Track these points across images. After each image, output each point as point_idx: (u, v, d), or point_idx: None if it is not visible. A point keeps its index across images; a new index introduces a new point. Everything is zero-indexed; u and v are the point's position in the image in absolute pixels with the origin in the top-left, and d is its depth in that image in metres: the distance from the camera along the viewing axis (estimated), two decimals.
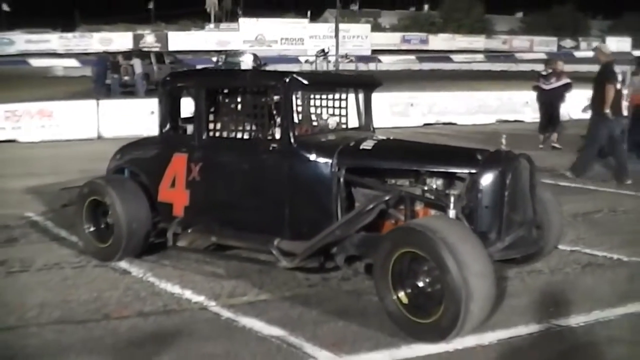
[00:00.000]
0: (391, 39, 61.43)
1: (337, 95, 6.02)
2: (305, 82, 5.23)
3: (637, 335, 4.38)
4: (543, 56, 37.31)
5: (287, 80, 5.16)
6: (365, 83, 6.16)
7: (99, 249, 5.97)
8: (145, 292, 5.19)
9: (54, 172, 10.43)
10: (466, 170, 4.78)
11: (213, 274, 5.60)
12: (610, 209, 8.15)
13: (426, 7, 73.48)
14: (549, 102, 13.74)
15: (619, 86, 9.86)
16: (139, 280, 5.50)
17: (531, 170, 5.02)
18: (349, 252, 4.99)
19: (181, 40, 53.17)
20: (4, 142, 14.09)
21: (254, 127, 5.50)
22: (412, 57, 52.66)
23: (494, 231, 4.63)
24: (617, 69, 10.22)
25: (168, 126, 5.90)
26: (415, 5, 75.19)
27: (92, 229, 6.07)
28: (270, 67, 27.71)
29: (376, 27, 63.94)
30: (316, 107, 6.04)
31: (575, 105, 15.86)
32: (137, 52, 32.01)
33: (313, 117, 6.01)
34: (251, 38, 53.99)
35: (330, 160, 5.02)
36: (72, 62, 42.34)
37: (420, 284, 4.35)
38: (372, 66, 44.53)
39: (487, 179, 4.63)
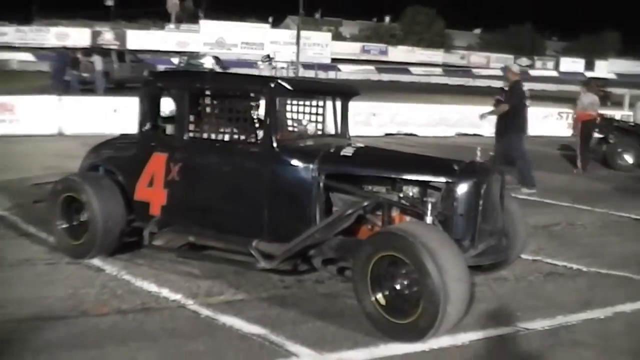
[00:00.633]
0: (351, 49, 61.92)
1: (315, 102, 6.16)
2: (290, 87, 5.35)
3: (599, 339, 4.63)
4: (499, 72, 38.14)
5: (272, 85, 5.28)
6: (344, 92, 6.32)
7: (71, 246, 5.96)
8: (122, 290, 5.22)
9: (16, 167, 10.25)
10: (443, 180, 4.98)
11: (188, 273, 5.66)
12: (568, 222, 8.50)
13: (387, 19, 74.32)
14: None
15: (527, 103, 10.68)
16: (114, 278, 5.52)
17: (502, 182, 5.27)
18: (326, 255, 5.12)
19: (140, 39, 52.49)
20: None
21: (235, 130, 5.59)
22: (372, 67, 53.22)
23: (467, 238, 4.84)
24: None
25: (148, 125, 5.94)
26: (376, 17, 76.01)
27: (65, 225, 6.04)
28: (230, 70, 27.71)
29: (337, 36, 64.38)
30: (296, 112, 6.16)
31: (534, 123, 16.39)
32: (98, 49, 31.52)
33: (293, 122, 6.13)
34: (211, 40, 53.69)
35: (311, 165, 5.15)
36: (28, 56, 41.45)
37: (398, 287, 4.52)
38: (331, 74, 44.86)
39: (462, 189, 4.85)
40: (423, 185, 5.15)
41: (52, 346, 4.16)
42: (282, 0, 65.58)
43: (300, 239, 5.04)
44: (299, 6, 43.47)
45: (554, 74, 61.33)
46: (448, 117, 19.34)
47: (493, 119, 11.08)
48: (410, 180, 5.13)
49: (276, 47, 53.70)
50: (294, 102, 6.20)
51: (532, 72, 58.46)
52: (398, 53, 62.19)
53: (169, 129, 6.03)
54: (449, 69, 57.48)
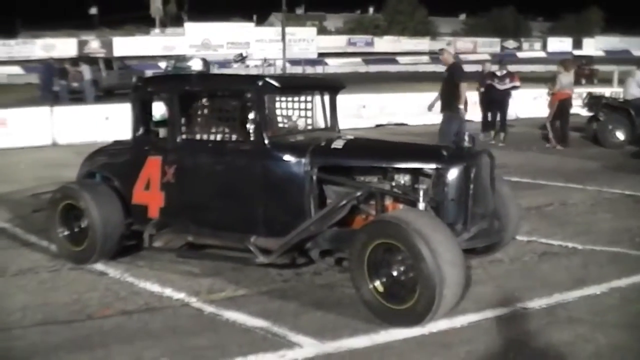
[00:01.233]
0: (337, 42, 61.84)
1: (303, 98, 6.25)
2: (277, 85, 5.45)
3: (594, 315, 4.74)
4: (487, 57, 38.29)
5: (260, 83, 5.38)
6: (331, 86, 6.41)
7: (73, 252, 6.06)
8: (125, 292, 5.32)
9: (11, 180, 10.32)
10: (432, 166, 5.08)
11: (189, 272, 5.76)
12: (561, 202, 8.61)
13: (371, 10, 74.30)
14: (501, 102, 14.42)
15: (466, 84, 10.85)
16: (117, 281, 5.62)
17: (491, 165, 5.38)
18: (322, 247, 5.22)
19: (126, 45, 52.40)
20: None
21: (227, 129, 5.68)
22: (358, 59, 53.22)
23: (460, 222, 4.96)
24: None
25: (141, 130, 6.03)
26: (360, 9, 75.98)
27: (65, 232, 6.14)
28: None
29: (322, 31, 64.30)
30: (285, 109, 6.26)
31: (523, 104, 16.56)
32: (86, 58, 31.50)
33: (282, 118, 6.22)
34: (197, 42, 53.62)
35: (303, 160, 5.25)
36: (16, 70, 41.37)
37: (394, 273, 4.63)
38: (319, 69, 44.87)
39: (452, 174, 4.95)
40: (414, 172, 5.25)
41: (59, 349, 4.27)
42: None
43: (296, 233, 5.14)
44: (282, 3, 43.44)
45: (542, 54, 61.41)
46: (437, 105, 19.38)
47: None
48: (401, 169, 5.24)
49: (262, 45, 53.76)
50: (283, 98, 6.29)
51: (520, 54, 58.59)
52: (384, 44, 62.17)
53: (162, 132, 6.12)
54: (436, 57, 57.49)
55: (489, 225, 5.28)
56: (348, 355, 4.15)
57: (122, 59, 34.09)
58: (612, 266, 5.88)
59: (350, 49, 60.56)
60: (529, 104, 19.24)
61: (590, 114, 14.86)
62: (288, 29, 48.25)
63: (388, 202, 5.24)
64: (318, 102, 6.29)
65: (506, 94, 14.57)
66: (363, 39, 63.32)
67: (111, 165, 6.29)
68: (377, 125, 17.94)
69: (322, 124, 6.32)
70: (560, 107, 13.75)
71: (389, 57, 55.14)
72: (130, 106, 6.10)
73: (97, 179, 6.38)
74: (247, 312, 4.80)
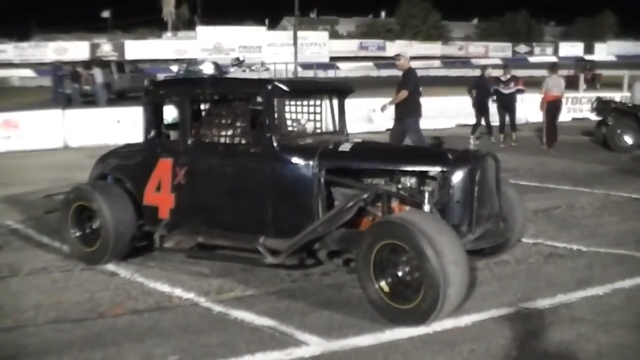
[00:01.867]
0: (349, 46, 62.15)
1: (312, 101, 6.34)
2: (286, 88, 5.56)
3: (597, 315, 4.80)
4: (499, 62, 38.28)
5: (269, 87, 5.48)
6: (340, 90, 6.50)
7: (85, 253, 6.18)
8: (136, 292, 5.43)
9: (25, 182, 10.49)
10: (438, 169, 5.16)
11: (199, 273, 5.87)
12: (568, 205, 8.65)
13: (383, 14, 74.45)
14: (508, 105, 14.69)
15: (420, 89, 10.94)
16: (128, 281, 5.73)
17: (497, 168, 5.45)
18: (330, 248, 5.31)
19: (138, 49, 52.93)
20: None
21: (237, 132, 5.78)
22: (370, 63, 53.33)
23: (465, 224, 5.04)
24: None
25: (153, 132, 6.15)
26: (372, 12, 76.13)
27: (78, 233, 6.26)
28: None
29: (334, 35, 64.58)
30: (294, 112, 6.35)
31: (532, 109, 16.58)
32: (98, 61, 31.83)
33: (291, 122, 6.32)
34: (209, 46, 54.03)
35: (311, 162, 5.34)
36: (28, 72, 41.83)
37: (400, 274, 4.71)
38: (330, 73, 45.00)
39: (458, 176, 5.04)
40: (420, 175, 5.33)
41: (72, 347, 4.37)
42: (278, 2, 65.81)
43: (305, 234, 5.23)
44: (295, 7, 43.65)
45: (554, 59, 61.26)
46: (447, 109, 19.47)
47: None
48: (407, 171, 5.32)
49: (274, 49, 54.02)
50: (292, 102, 6.38)
51: (531, 59, 58.48)
52: (396, 48, 61.96)
53: (173, 135, 6.23)
54: (447, 61, 57.55)
55: (494, 226, 5.35)
56: (354, 353, 4.23)
57: (134, 62, 34.34)
58: (617, 267, 5.94)
59: (362, 53, 60.76)
60: (539, 108, 19.20)
61: (599, 118, 14.88)
62: (300, 33, 48.49)
63: (394, 204, 5.33)
64: (326, 106, 6.38)
65: (512, 97, 14.84)
66: (375, 43, 63.52)
67: (123, 167, 6.41)
68: (388, 130, 17.97)
69: (330, 128, 6.41)
70: (548, 108, 14.28)
71: None
72: (143, 109, 6.22)
73: (110, 181, 6.50)
74: (255, 312, 4.90)
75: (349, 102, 6.53)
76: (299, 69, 43.47)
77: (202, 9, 68.57)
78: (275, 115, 5.56)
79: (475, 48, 65.72)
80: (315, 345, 4.33)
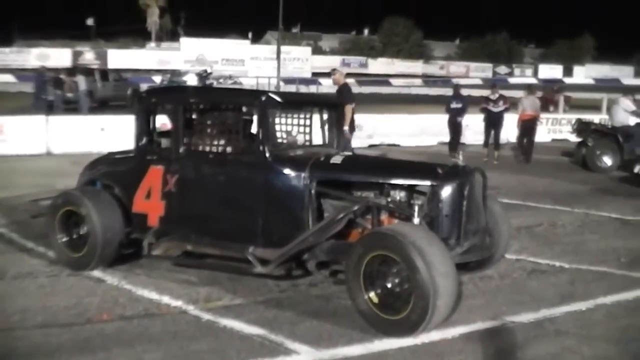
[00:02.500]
0: (331, 62, 62.26)
1: (304, 114, 6.41)
2: (280, 100, 5.63)
3: (581, 329, 4.92)
4: (479, 82, 38.65)
5: (263, 98, 5.55)
6: (331, 103, 6.59)
7: (72, 259, 6.15)
8: (124, 298, 5.43)
9: (7, 186, 10.38)
10: (428, 183, 5.25)
11: (186, 281, 5.88)
12: (550, 222, 8.81)
13: (366, 31, 74.99)
14: (496, 123, 15.31)
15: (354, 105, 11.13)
16: (115, 287, 5.72)
17: (484, 183, 5.56)
18: (319, 259, 5.35)
19: (121, 58, 52.67)
20: None
21: (229, 142, 5.83)
22: (352, 80, 53.33)
23: (453, 237, 5.12)
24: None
25: (144, 140, 6.17)
26: (355, 29, 76.65)
27: (65, 239, 6.24)
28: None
29: (317, 50, 64.86)
30: (286, 124, 6.41)
31: (512, 128, 16.85)
32: (82, 68, 31.65)
33: (283, 133, 6.38)
34: (192, 58, 53.92)
35: (302, 173, 5.40)
36: (9, 78, 41.37)
37: (390, 285, 4.77)
38: (312, 88, 45.09)
39: (447, 191, 5.13)
40: (409, 189, 5.42)
41: (61, 351, 4.36)
42: (262, 16, 66.11)
43: (294, 244, 5.28)
44: (279, 21, 43.82)
45: (533, 80, 62.06)
46: (429, 127, 19.64)
47: None
48: (397, 185, 5.40)
49: (257, 63, 54.11)
50: (284, 113, 6.44)
51: (512, 80, 59.02)
52: (378, 65, 62.79)
53: (164, 142, 6.26)
54: (429, 80, 58.05)
55: (481, 240, 5.45)
56: None
57: (118, 71, 34.21)
58: (598, 284, 6.08)
59: (344, 70, 60.80)
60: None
61: (579, 139, 15.14)
62: (283, 48, 48.55)
63: (384, 216, 5.40)
64: (318, 119, 6.46)
65: (501, 115, 15.32)
66: (357, 60, 63.89)
67: (113, 174, 6.42)
68: (370, 146, 18.12)
69: (321, 140, 6.48)
70: (523, 126, 15.24)
71: (382, 79, 55.54)
72: (134, 116, 6.24)
73: (98, 187, 6.50)
74: (244, 320, 4.92)
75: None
76: (282, 83, 43.55)
77: (186, 21, 68.66)
78: (268, 126, 5.61)
79: (456, 68, 66.37)
80: (306, 354, 4.37)
